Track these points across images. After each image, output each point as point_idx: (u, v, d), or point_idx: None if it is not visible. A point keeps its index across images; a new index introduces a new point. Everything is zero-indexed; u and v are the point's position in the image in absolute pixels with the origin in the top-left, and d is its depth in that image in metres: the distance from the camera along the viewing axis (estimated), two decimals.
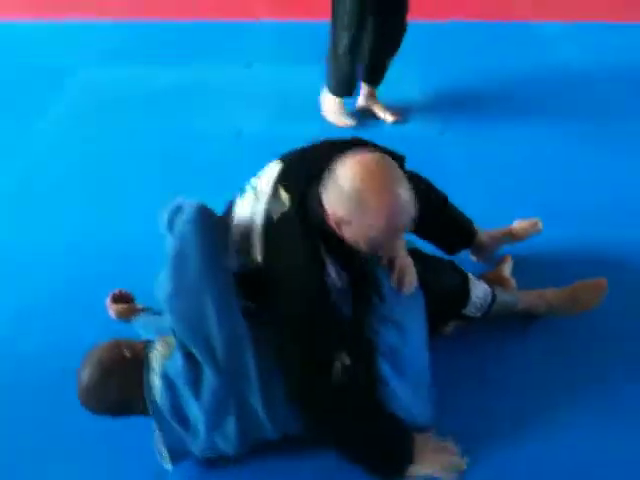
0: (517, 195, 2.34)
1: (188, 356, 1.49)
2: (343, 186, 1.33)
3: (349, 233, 1.40)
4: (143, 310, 1.88)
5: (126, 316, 1.87)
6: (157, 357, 1.54)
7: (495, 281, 1.87)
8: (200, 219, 1.51)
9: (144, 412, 1.55)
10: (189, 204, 1.54)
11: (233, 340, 1.47)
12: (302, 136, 2.60)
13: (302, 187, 1.48)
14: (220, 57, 3.37)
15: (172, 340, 1.53)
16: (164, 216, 1.57)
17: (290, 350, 1.47)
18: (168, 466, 1.54)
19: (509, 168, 2.47)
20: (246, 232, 1.53)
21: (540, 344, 1.85)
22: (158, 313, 1.81)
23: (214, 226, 1.53)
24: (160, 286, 1.52)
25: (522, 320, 1.88)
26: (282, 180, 1.52)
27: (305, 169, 1.53)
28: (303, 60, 3.18)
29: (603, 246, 2.09)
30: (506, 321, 1.85)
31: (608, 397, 1.71)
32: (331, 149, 1.49)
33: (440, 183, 1.80)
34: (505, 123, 2.73)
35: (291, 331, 1.46)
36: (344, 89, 2.83)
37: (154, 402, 1.51)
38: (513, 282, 1.91)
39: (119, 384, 1.53)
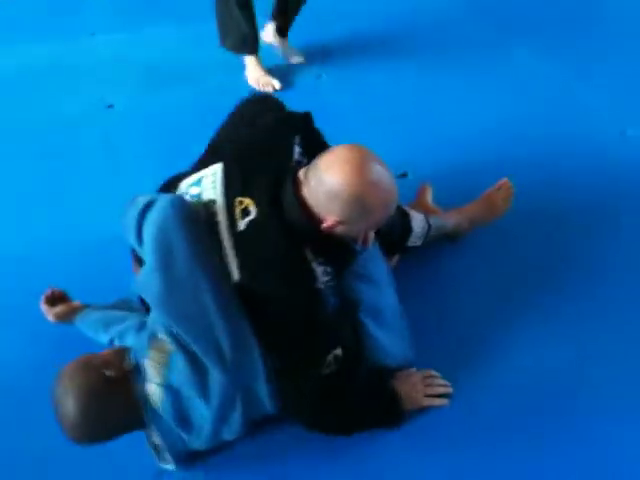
0: (403, 128, 2.52)
1: (191, 359, 1.39)
2: (336, 192, 1.33)
3: (347, 230, 1.41)
4: (84, 307, 1.75)
5: (68, 317, 1.74)
6: (152, 366, 1.42)
7: (422, 209, 1.93)
8: (178, 206, 1.43)
9: (137, 427, 1.47)
10: (162, 196, 1.46)
11: (237, 329, 1.39)
12: (177, 102, 2.61)
13: (266, 190, 1.43)
14: (65, 31, 3.14)
15: (165, 346, 1.41)
16: (131, 212, 1.48)
17: (284, 357, 1.45)
18: (171, 467, 1.51)
19: (390, 107, 2.65)
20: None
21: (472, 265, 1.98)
22: (106, 308, 1.74)
23: (192, 214, 1.45)
24: (146, 282, 1.42)
25: (450, 241, 2.00)
26: (235, 184, 1.47)
27: (258, 168, 1.48)
28: (154, 22, 3.08)
29: (494, 166, 2.26)
30: (439, 244, 1.96)
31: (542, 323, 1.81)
32: (266, 133, 1.55)
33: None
34: (382, 65, 2.89)
35: (285, 340, 1.44)
36: (244, 43, 2.60)
37: (154, 412, 1.43)
38: (438, 208, 2.00)
39: (101, 409, 1.41)
